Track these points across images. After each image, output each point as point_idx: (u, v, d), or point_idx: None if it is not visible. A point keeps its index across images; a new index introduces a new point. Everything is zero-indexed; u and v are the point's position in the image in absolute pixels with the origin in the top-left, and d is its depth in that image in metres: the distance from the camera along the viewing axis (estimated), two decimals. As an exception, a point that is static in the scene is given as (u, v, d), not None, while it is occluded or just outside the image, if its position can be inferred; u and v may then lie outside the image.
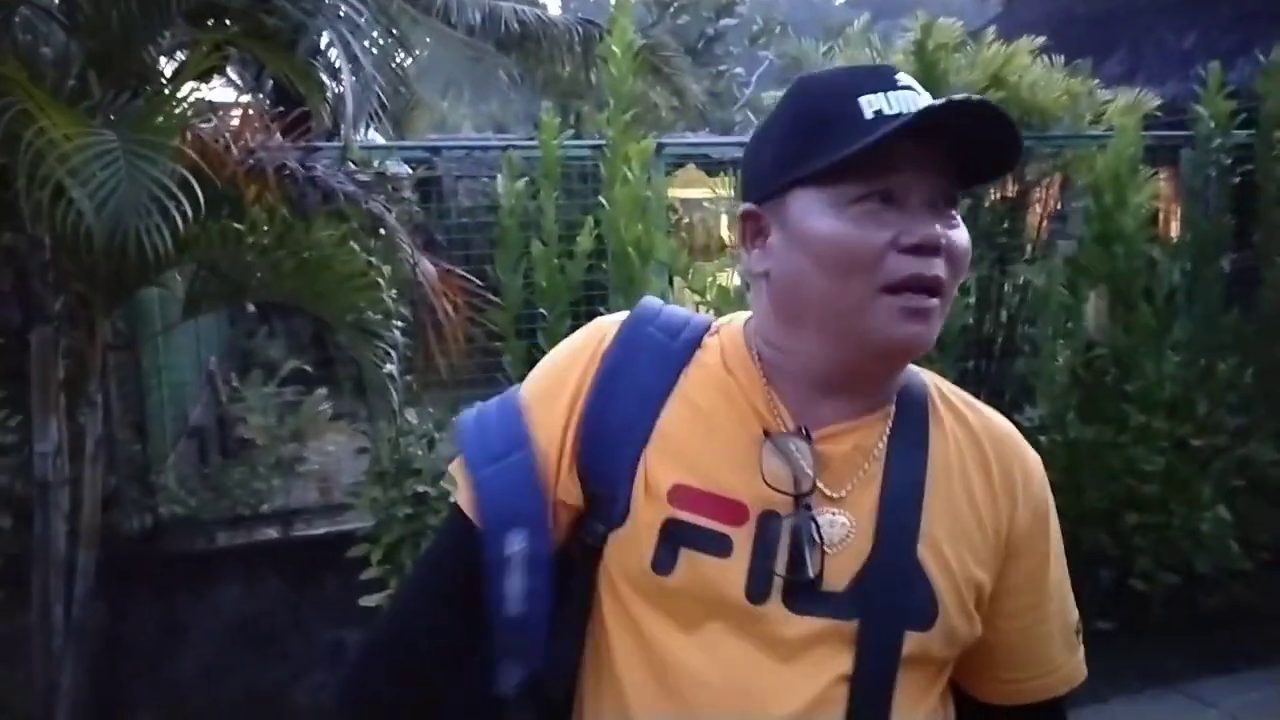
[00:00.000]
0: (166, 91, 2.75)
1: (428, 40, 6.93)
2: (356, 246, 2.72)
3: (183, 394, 4.51)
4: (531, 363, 3.32)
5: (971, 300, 3.77)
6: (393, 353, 2.75)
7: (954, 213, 0.88)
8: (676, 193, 4.81)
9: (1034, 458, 0.98)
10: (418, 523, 2.98)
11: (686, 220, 6.16)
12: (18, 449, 3.56)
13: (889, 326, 0.84)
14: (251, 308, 6.05)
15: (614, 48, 2.92)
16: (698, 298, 3.25)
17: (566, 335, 3.31)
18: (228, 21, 3.21)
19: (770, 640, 0.86)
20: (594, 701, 0.93)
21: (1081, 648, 1.01)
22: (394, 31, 6.10)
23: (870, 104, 0.85)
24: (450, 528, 0.96)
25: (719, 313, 3.21)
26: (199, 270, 2.88)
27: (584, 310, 3.24)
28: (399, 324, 2.82)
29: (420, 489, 3.02)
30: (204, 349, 5.59)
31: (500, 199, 3.05)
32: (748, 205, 0.92)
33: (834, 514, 0.88)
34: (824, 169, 0.85)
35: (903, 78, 0.88)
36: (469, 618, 0.91)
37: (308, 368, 4.40)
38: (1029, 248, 4.39)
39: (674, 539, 0.87)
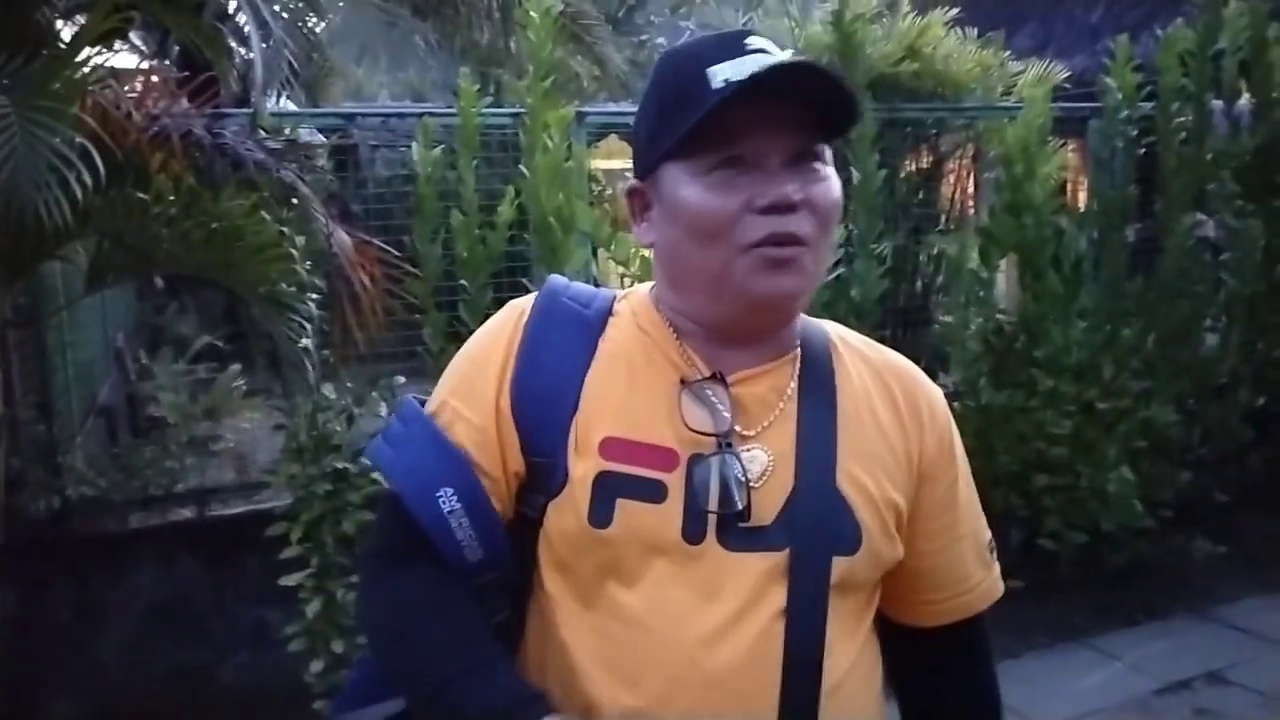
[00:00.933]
0: (65, 56, 2.63)
1: (341, 4, 6.74)
2: (268, 216, 2.64)
3: (90, 372, 4.36)
4: (452, 335, 3.28)
5: (888, 268, 3.83)
6: (308, 326, 2.69)
7: (818, 167, 0.91)
8: (599, 164, 4.78)
9: (935, 389, 1.04)
10: (337, 499, 2.93)
11: (610, 191, 6.13)
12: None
13: (753, 280, 0.89)
14: (160, 283, 5.87)
15: (532, 13, 2.88)
16: (621, 269, 3.24)
17: (489, 307, 3.28)
18: (129, -17, 3.08)
19: (709, 581, 0.88)
20: (538, 673, 0.94)
21: (996, 565, 1.06)
22: (305, -4, 5.92)
23: (718, 74, 0.88)
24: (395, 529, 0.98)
25: (638, 284, 3.21)
26: (102, 242, 2.78)
27: (506, 281, 3.21)
28: (314, 296, 2.75)
29: (339, 465, 2.97)
30: (111, 326, 5.40)
31: (416, 167, 2.99)
32: (632, 182, 0.98)
33: (753, 449, 0.92)
34: (678, 142, 0.89)
35: (754, 41, 0.90)
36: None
37: (220, 344, 4.28)
38: (943, 218, 4.49)
39: (609, 490, 0.90)
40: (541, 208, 2.82)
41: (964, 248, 3.78)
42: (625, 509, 0.89)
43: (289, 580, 2.92)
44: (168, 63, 5.58)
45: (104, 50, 3.01)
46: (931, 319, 4.27)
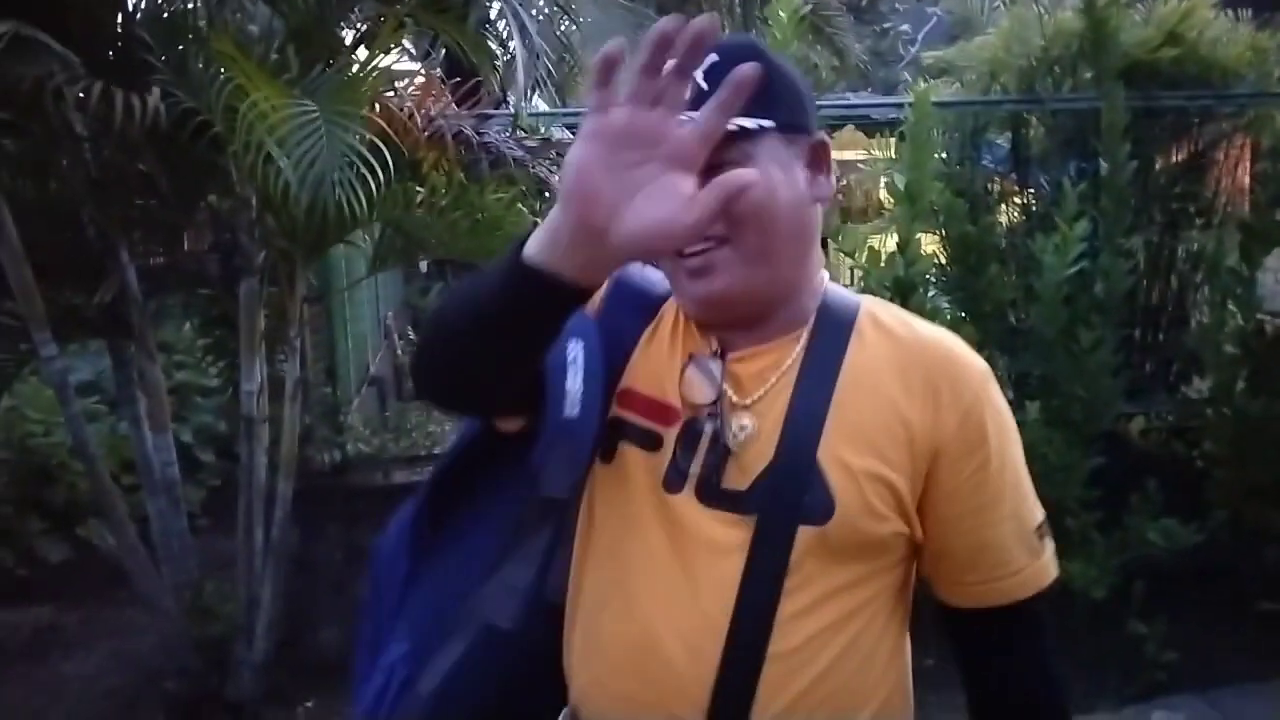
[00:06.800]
0: (357, 65, 3.00)
1: (591, 6, 7.09)
2: (525, 208, 2.90)
3: (364, 345, 4.87)
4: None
5: (1137, 266, 3.65)
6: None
7: (732, 159, 0.88)
8: (834, 154, 4.82)
9: (972, 368, 1.02)
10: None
11: (844, 182, 6.13)
12: (220, 391, 3.97)
13: (685, 286, 0.98)
14: (424, 266, 6.42)
15: (780, 11, 2.95)
16: (849, 260, 3.29)
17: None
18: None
19: (680, 529, 0.97)
20: (575, 576, 1.07)
21: (1048, 551, 1.04)
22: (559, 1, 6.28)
23: None
24: None
25: (867, 275, 3.22)
26: (384, 229, 3.14)
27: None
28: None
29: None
30: (382, 304, 5.98)
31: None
32: None
33: (743, 418, 0.99)
34: None
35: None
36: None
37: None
38: (1207, 212, 4.20)
39: (616, 434, 1.02)
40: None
41: (1220, 243, 3.55)
42: (624, 452, 1.01)
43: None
44: (436, 70, 6.08)
45: (384, 56, 3.38)
46: (1188, 319, 4.01)
